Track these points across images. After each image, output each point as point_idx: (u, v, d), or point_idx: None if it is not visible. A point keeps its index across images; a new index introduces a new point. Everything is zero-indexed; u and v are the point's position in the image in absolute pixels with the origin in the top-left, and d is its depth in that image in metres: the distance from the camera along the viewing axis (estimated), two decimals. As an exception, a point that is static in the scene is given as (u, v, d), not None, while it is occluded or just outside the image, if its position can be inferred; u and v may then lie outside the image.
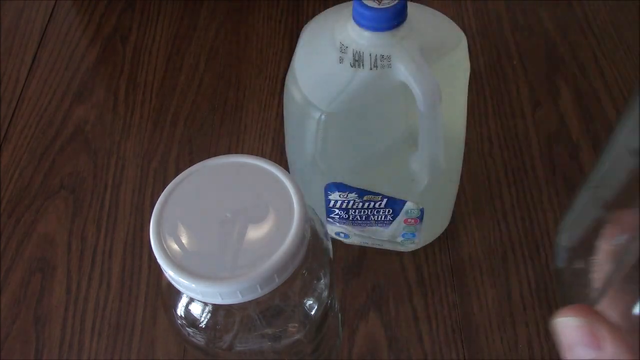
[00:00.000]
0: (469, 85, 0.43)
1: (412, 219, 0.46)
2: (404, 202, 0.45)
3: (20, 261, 0.53)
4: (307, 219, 0.30)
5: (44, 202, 0.57)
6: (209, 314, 0.32)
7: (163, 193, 0.31)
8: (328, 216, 0.48)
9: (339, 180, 0.43)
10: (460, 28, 0.42)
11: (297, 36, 0.43)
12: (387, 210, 0.46)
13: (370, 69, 0.37)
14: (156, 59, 0.68)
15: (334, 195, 0.45)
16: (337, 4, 0.42)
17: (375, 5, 0.36)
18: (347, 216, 0.47)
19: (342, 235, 0.51)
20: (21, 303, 0.51)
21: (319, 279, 0.34)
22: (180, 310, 0.33)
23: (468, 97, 0.43)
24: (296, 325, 0.34)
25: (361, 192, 0.44)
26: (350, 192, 0.44)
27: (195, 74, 0.66)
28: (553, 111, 0.61)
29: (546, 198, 0.55)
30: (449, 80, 0.39)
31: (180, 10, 0.72)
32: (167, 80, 0.66)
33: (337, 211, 0.46)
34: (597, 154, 0.57)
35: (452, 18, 0.42)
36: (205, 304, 0.31)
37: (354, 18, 0.37)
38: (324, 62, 0.39)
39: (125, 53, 0.68)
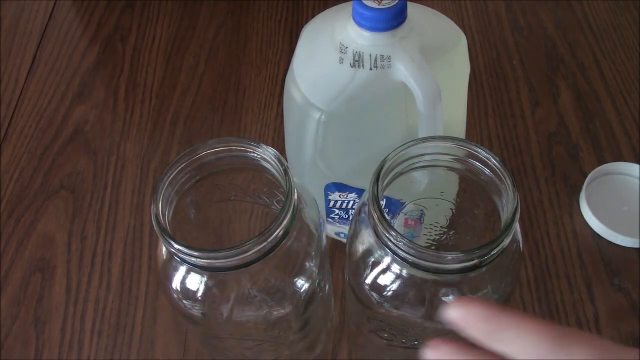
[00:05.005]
0: (469, 85, 0.43)
1: (412, 220, 0.46)
2: (403, 203, 0.45)
3: (20, 261, 0.53)
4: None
5: (44, 202, 0.57)
6: (204, 286, 0.33)
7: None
8: (328, 216, 0.48)
9: (339, 180, 0.43)
10: (460, 28, 0.42)
11: (297, 36, 0.43)
12: (386, 211, 0.46)
13: (370, 69, 0.37)
14: (156, 59, 0.68)
15: (334, 195, 0.45)
16: (337, 4, 0.42)
17: (375, 5, 0.36)
18: (347, 216, 0.47)
19: (342, 235, 0.51)
20: (21, 303, 0.51)
21: (309, 259, 0.35)
22: (176, 285, 0.33)
23: (468, 97, 0.43)
24: (285, 301, 0.35)
25: (361, 192, 0.44)
26: (350, 192, 0.44)
27: (195, 74, 0.66)
28: (553, 111, 0.61)
29: (546, 198, 0.55)
30: (449, 80, 0.39)
31: (180, 10, 0.72)
32: (167, 80, 0.66)
33: (337, 211, 0.46)
34: (597, 153, 0.57)
35: (452, 18, 0.43)
36: (202, 275, 0.32)
37: (353, 18, 0.37)
38: (323, 62, 0.39)
39: (125, 53, 0.68)
